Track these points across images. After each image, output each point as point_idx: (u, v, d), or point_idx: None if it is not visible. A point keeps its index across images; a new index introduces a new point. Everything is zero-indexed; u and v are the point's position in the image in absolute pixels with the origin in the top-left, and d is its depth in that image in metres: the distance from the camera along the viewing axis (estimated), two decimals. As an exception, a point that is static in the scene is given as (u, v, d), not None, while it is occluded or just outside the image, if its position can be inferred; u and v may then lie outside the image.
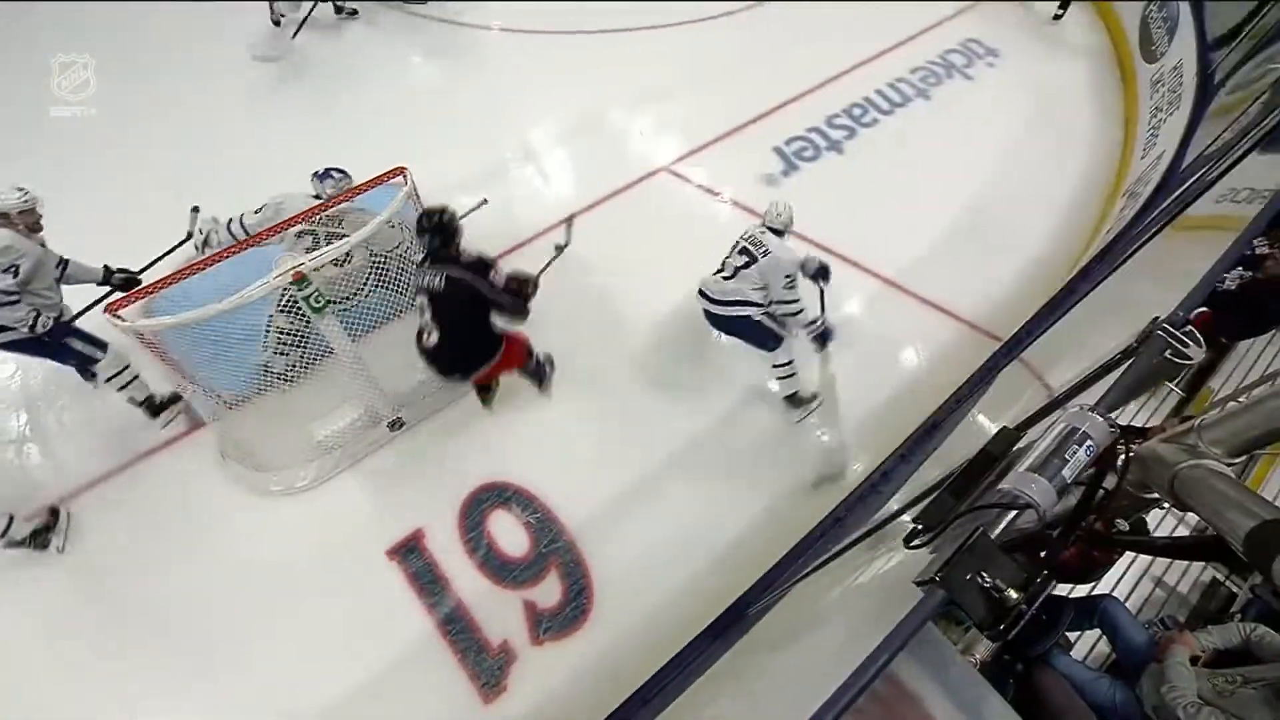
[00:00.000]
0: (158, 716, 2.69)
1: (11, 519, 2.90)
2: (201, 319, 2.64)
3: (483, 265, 2.84)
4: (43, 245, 2.98)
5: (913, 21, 5.91)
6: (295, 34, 5.31)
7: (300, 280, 2.73)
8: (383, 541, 3.06)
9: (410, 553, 3.04)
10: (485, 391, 3.43)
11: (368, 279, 3.39)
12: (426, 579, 2.98)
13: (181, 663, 2.78)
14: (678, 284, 4.02)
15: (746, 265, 3.31)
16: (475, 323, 2.91)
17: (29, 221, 2.91)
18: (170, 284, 2.73)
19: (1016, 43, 5.82)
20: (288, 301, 2.99)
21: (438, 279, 2.78)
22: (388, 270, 3.35)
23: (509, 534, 3.09)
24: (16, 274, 2.77)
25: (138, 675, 2.75)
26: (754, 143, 4.85)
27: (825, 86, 5.29)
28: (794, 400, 3.52)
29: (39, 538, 2.99)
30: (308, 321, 2.93)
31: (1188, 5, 4.97)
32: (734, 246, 3.42)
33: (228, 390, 3.21)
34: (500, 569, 3.00)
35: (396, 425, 3.33)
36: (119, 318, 2.59)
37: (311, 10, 5.37)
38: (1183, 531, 2.85)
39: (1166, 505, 1.33)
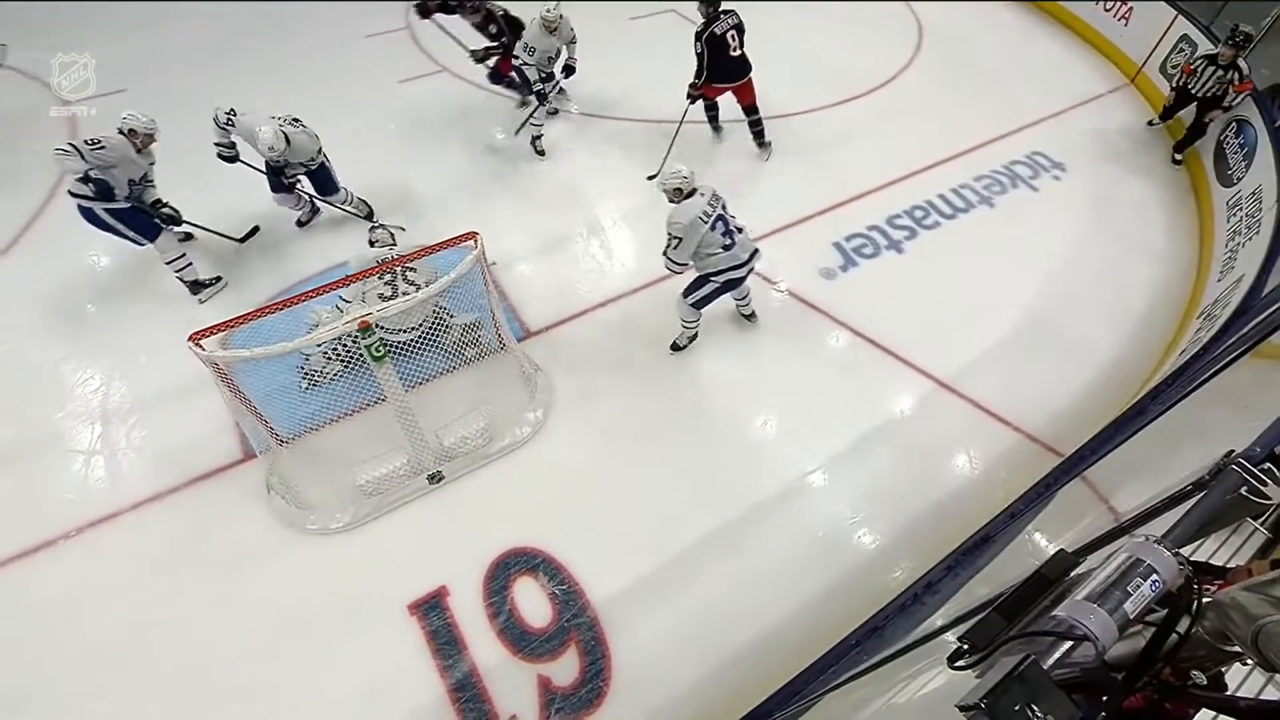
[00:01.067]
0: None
1: (191, 262, 4.27)
2: (271, 355, 2.80)
3: None
4: (137, 157, 3.97)
5: (977, 133, 6.05)
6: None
7: (365, 328, 2.88)
8: (406, 594, 3.04)
9: (431, 610, 3.01)
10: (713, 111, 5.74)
11: (426, 327, 3.56)
12: (444, 639, 2.93)
13: (181, 689, 2.80)
14: (728, 367, 4.06)
15: (725, 211, 3.61)
16: None
17: (145, 141, 3.99)
18: (249, 320, 2.94)
19: (1083, 158, 5.86)
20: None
21: (735, 18, 4.97)
22: (449, 327, 3.52)
23: (532, 603, 3.03)
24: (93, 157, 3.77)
25: (134, 696, 2.78)
26: (814, 236, 4.96)
27: (888, 188, 5.42)
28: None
29: (200, 287, 4.31)
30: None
31: (1265, 133, 4.94)
32: (716, 220, 3.52)
33: (283, 426, 3.36)
34: (519, 638, 2.93)
35: (436, 478, 3.39)
36: (200, 347, 2.78)
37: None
38: (1272, 691, 2.55)
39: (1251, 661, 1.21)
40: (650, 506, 3.39)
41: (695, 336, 4.15)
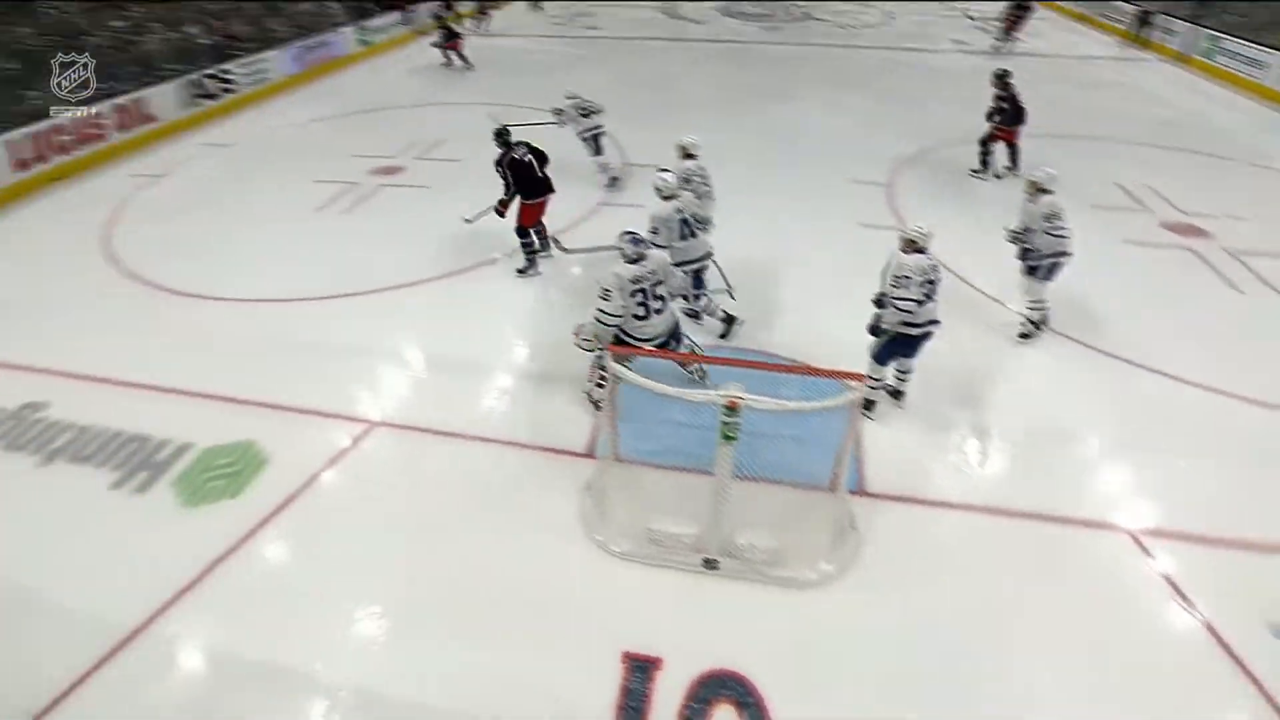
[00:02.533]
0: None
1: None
2: (652, 390, 3.64)
3: None
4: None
5: None
6: None
7: (733, 408, 3.50)
8: (628, 642, 3.51)
9: (640, 670, 3.40)
10: None
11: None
12: (634, 704, 3.26)
13: (398, 618, 3.72)
14: (1076, 682, 3.44)
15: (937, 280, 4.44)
16: None
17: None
18: (653, 355, 3.97)
19: None
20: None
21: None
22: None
23: (723, 734, 3.20)
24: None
25: (378, 601, 3.86)
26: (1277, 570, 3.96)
27: None
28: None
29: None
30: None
31: None
32: (920, 283, 4.30)
33: (627, 447, 4.30)
34: (695, 755, 3.13)
35: (711, 565, 3.87)
36: (613, 359, 3.84)
37: None
38: None
39: None
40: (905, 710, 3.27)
41: (873, 404, 4.81)
